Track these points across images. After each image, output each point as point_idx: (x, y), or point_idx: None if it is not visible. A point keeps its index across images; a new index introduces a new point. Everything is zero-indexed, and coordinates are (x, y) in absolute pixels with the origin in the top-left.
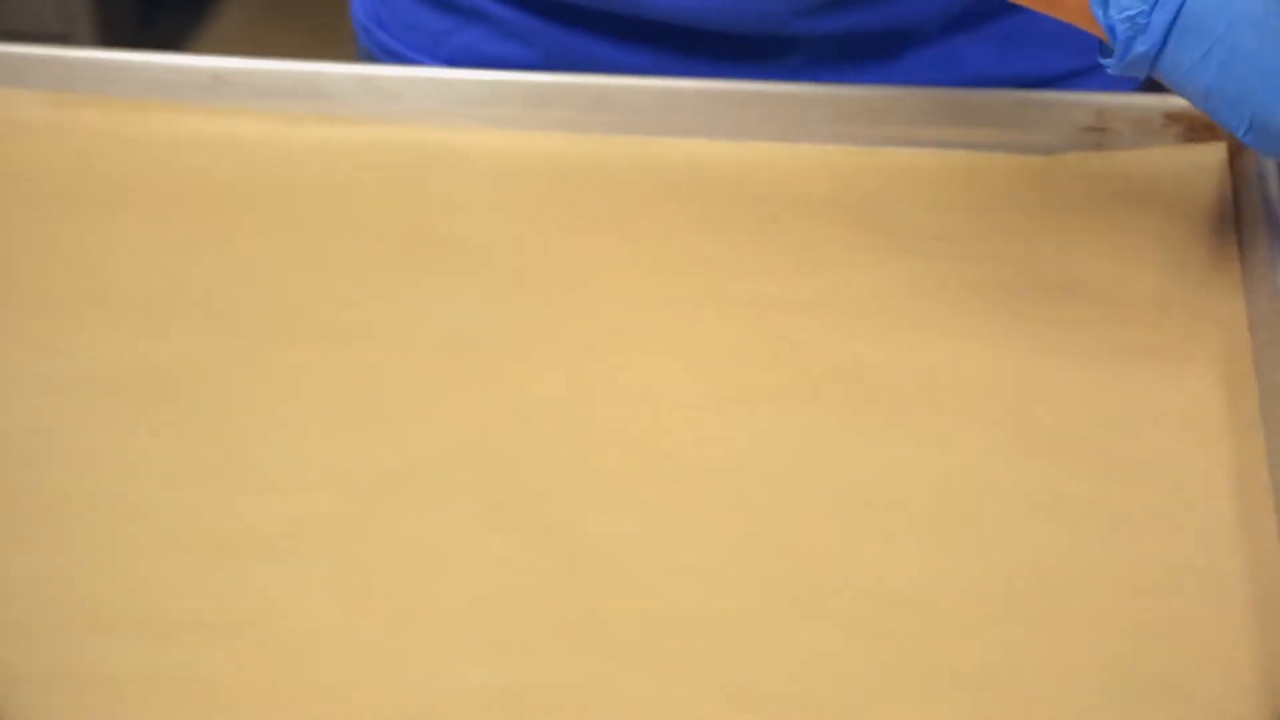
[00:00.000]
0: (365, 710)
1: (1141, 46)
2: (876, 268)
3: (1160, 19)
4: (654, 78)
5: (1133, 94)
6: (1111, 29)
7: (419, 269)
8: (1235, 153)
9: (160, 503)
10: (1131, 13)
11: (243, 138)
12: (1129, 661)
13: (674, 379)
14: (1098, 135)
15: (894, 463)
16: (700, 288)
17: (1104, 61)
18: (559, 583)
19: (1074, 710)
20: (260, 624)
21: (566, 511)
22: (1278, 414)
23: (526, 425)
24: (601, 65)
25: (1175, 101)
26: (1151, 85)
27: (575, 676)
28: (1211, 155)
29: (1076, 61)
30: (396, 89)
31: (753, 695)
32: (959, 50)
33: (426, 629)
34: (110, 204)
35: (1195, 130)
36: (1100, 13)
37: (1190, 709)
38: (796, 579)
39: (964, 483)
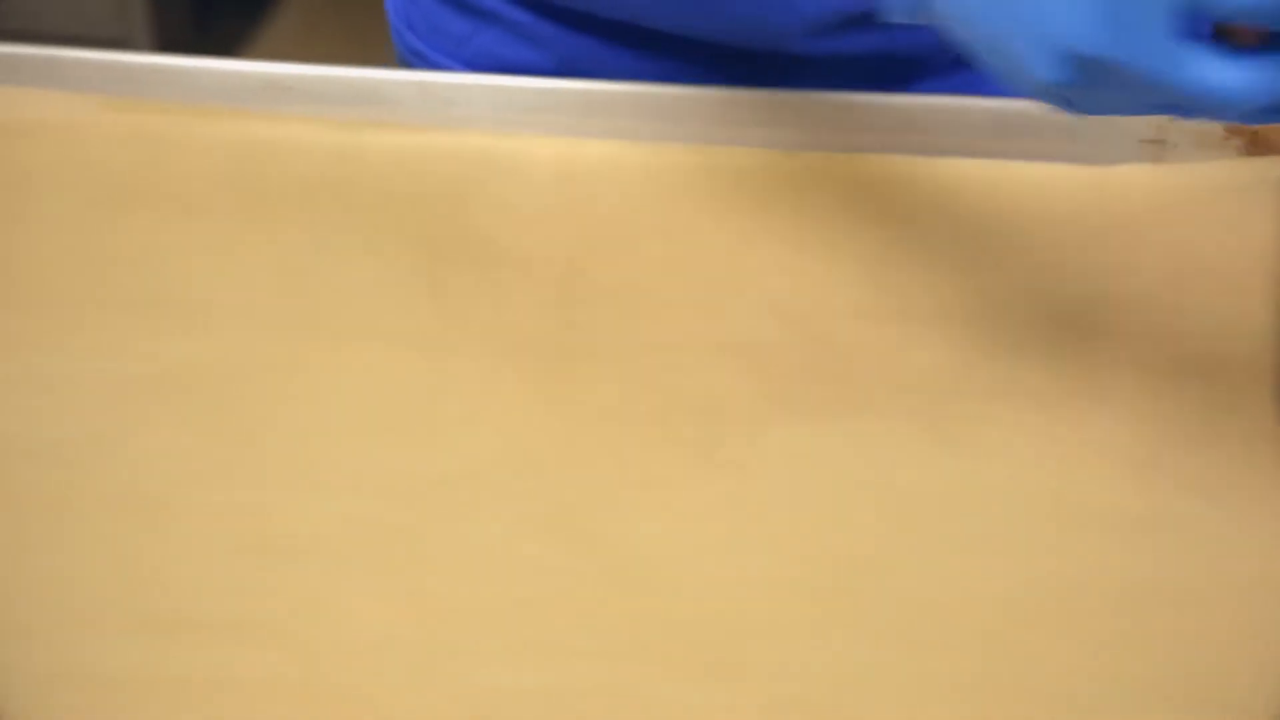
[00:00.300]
0: (401, 713)
1: None
2: (933, 279)
3: None
4: (708, 86)
5: None
6: None
7: (471, 275)
8: None
9: (203, 503)
10: None
11: (298, 143)
12: (1176, 675)
13: (729, 388)
14: (1157, 148)
15: (946, 474)
16: (756, 297)
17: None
18: (599, 588)
19: None
20: (299, 625)
21: (611, 518)
22: None
23: (576, 432)
24: (613, 74)
25: None
26: None
27: (614, 681)
28: (1273, 169)
29: None
30: (452, 95)
31: (790, 703)
32: (974, 82)
33: (465, 632)
34: (165, 208)
35: (1256, 144)
36: None
37: None
38: (839, 588)
39: (1015, 493)
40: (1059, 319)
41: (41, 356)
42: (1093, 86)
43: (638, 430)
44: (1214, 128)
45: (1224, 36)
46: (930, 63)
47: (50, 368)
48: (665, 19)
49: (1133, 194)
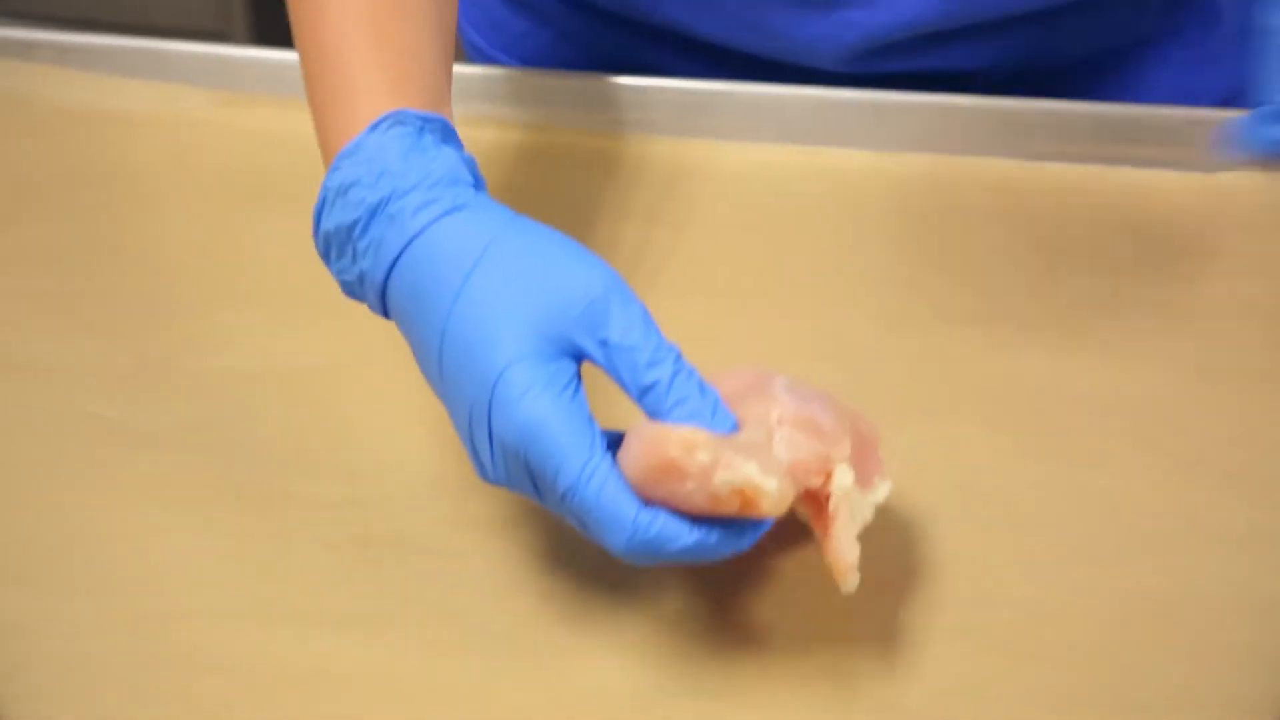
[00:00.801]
0: (508, 709)
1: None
2: (1036, 284)
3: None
4: (814, 87)
5: None
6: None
7: None
8: None
9: (311, 497)
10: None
11: None
12: None
13: (822, 388)
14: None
15: (1045, 482)
16: (856, 299)
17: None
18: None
19: None
20: (402, 619)
21: None
22: None
23: None
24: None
25: None
26: None
27: (722, 682)
28: None
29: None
30: (548, 93)
31: (892, 709)
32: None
33: (573, 628)
34: (271, 202)
35: None
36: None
37: None
38: (942, 596)
39: (1117, 504)
40: (1165, 326)
41: (153, 346)
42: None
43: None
44: None
45: None
46: (968, 83)
47: (161, 357)
48: (715, 31)
49: (1240, 199)
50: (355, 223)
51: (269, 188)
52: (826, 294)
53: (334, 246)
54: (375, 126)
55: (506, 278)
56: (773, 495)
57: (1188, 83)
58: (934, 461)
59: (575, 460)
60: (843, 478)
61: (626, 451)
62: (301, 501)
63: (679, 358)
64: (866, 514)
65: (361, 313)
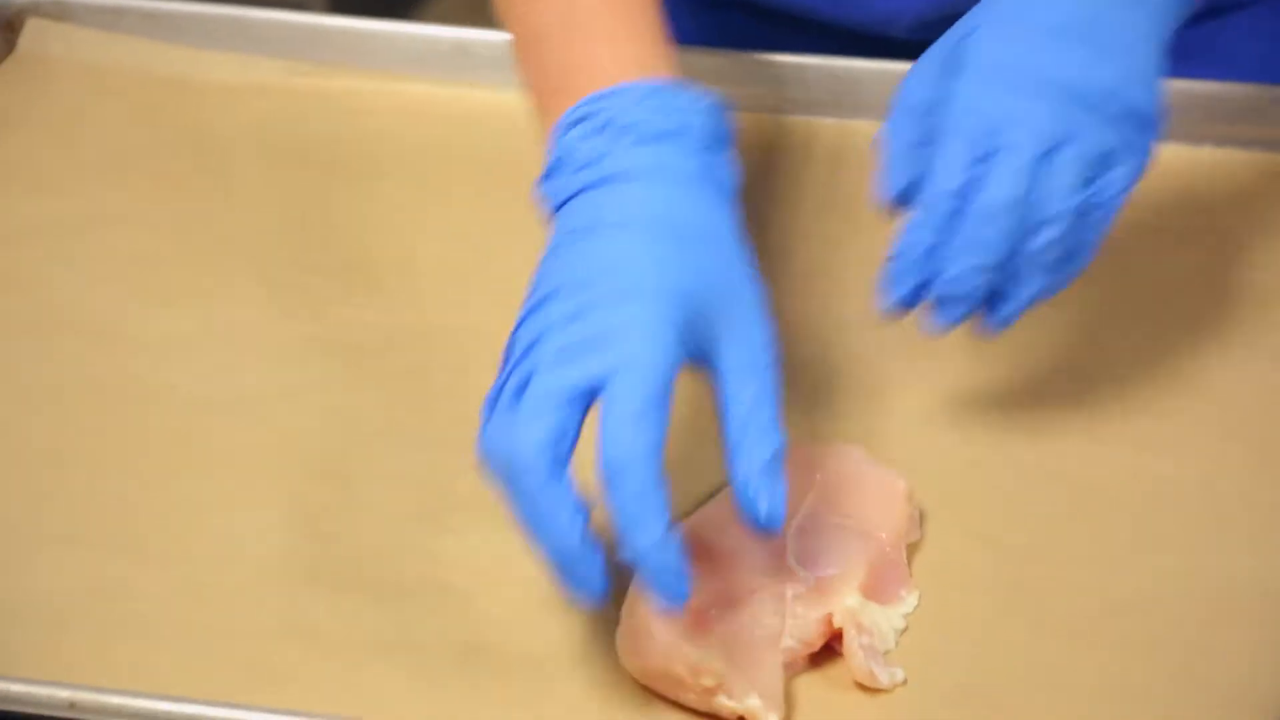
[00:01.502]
0: (569, 681)
1: None
2: (1120, 263)
3: None
4: (872, 60)
5: None
6: None
7: None
8: None
9: (385, 466)
10: None
11: (481, 111)
12: None
13: (896, 368)
14: None
15: (1124, 465)
16: None
17: None
18: None
19: None
20: (469, 590)
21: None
22: None
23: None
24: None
25: None
26: None
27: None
28: None
29: None
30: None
31: (966, 695)
32: None
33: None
34: (349, 173)
35: None
36: None
37: None
38: (1018, 582)
39: (1198, 491)
40: (1254, 312)
41: (224, 311)
42: None
43: (801, 409)
44: None
45: None
46: None
47: (233, 322)
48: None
49: None
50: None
51: (346, 158)
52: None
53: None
54: (633, 86)
55: (665, 246)
56: None
57: (1278, 53)
58: (1013, 445)
59: (659, 521)
60: (848, 598)
61: (631, 638)
62: (374, 472)
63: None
64: (896, 623)
65: (438, 283)
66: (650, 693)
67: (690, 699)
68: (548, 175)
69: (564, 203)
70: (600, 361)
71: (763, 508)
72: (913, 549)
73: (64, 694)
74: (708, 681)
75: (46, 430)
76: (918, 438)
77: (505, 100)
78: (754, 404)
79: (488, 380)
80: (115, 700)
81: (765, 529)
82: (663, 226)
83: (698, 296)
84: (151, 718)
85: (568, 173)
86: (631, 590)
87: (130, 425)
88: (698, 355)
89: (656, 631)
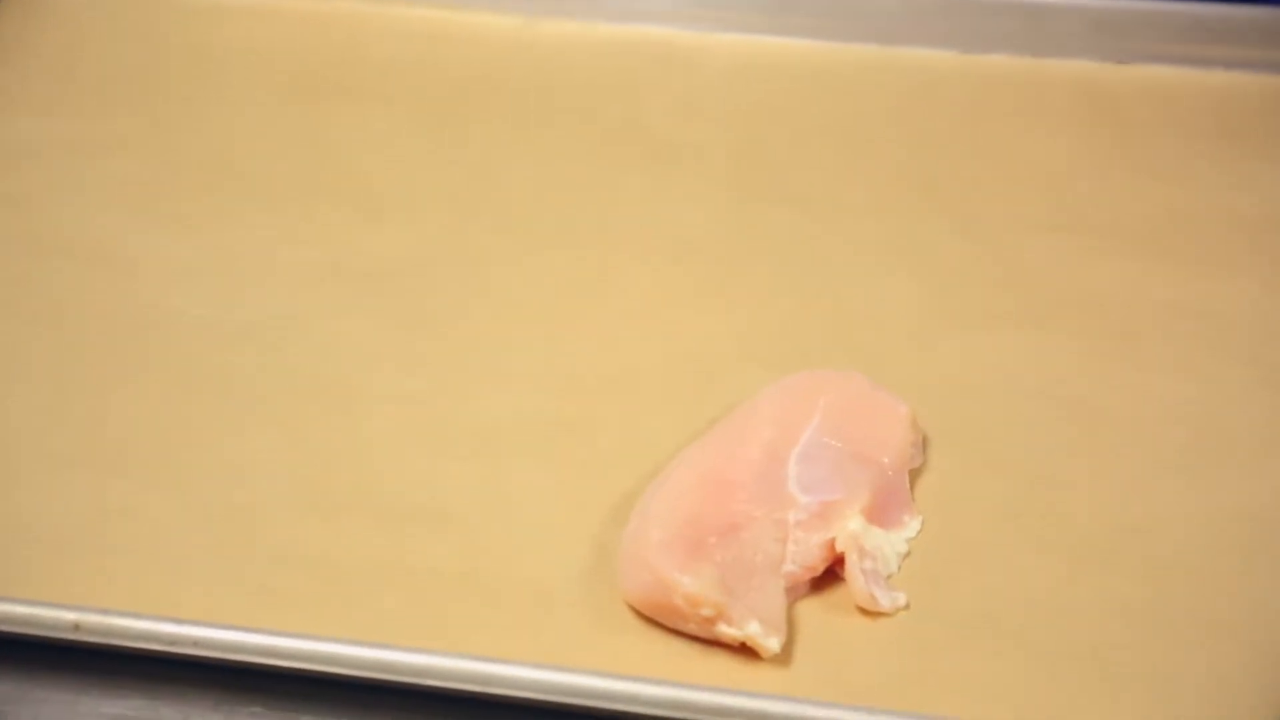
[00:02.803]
0: (568, 605)
1: None
2: (1117, 191)
3: None
4: None
5: None
6: None
7: (646, 173)
8: None
9: (388, 392)
10: None
11: (480, 34)
12: None
13: (901, 297)
14: None
15: (1128, 389)
16: (931, 204)
17: None
18: None
19: None
20: (481, 517)
21: None
22: None
23: (746, 337)
24: None
25: None
26: None
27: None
28: None
29: None
30: None
31: (976, 620)
32: None
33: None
34: (352, 96)
35: None
36: None
37: None
38: (1023, 506)
39: (1203, 414)
40: (1248, 238)
41: (231, 238)
42: None
43: (805, 336)
44: None
45: None
46: None
47: (235, 248)
48: None
49: None
50: None
51: (347, 82)
52: (899, 198)
53: None
54: None
55: None
56: (774, 651)
57: None
58: (1017, 370)
59: None
60: (850, 523)
61: (630, 569)
62: (376, 397)
63: None
64: (899, 547)
65: (442, 209)
66: (651, 622)
67: (691, 628)
68: None
69: None
70: None
71: None
72: (915, 475)
73: (69, 615)
74: (706, 612)
75: (49, 352)
76: (921, 363)
77: (508, 24)
78: None
79: (491, 308)
80: (120, 622)
81: None
82: None
83: None
84: (156, 639)
85: None
86: (630, 522)
87: (133, 349)
88: None
89: (653, 563)
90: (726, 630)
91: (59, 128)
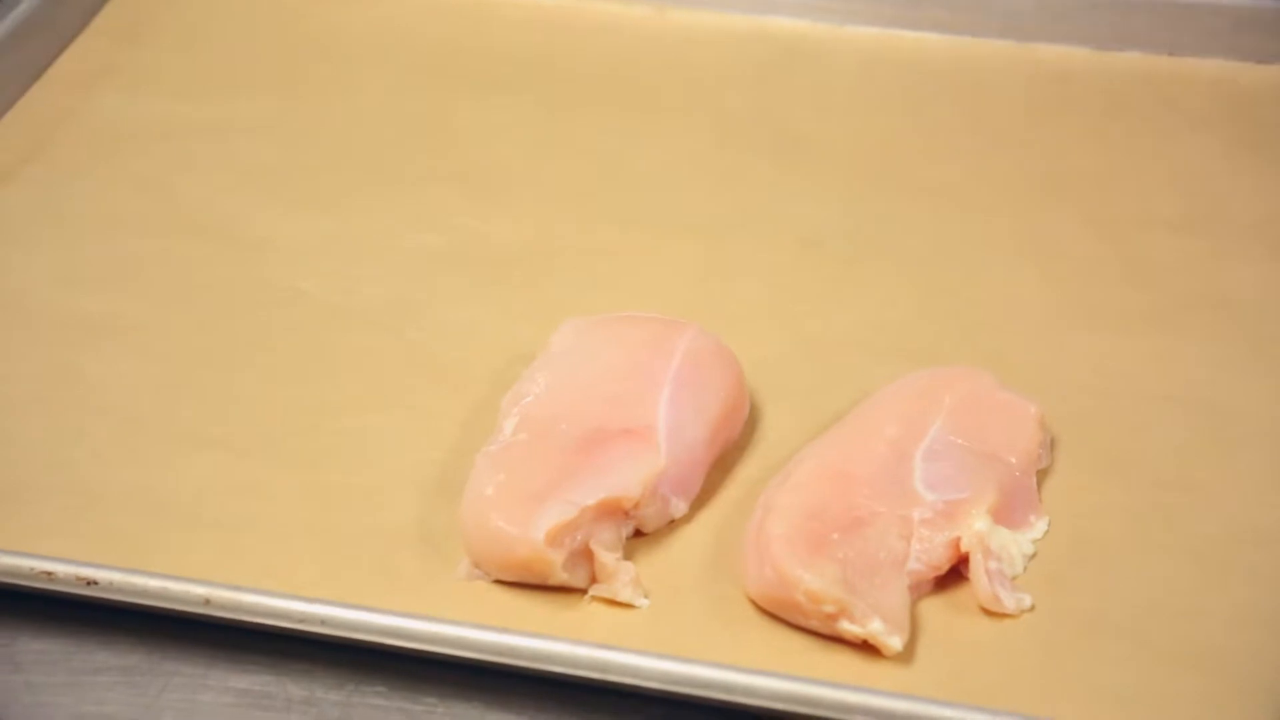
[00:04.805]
0: (702, 598)
1: None
2: (1254, 191)
3: None
4: None
5: None
6: None
7: (774, 164)
8: None
9: (507, 381)
10: None
11: (610, 23)
12: None
13: (1030, 296)
14: None
15: (1258, 393)
16: (1063, 200)
17: None
18: None
19: None
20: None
21: None
22: None
23: (871, 331)
24: None
25: None
26: None
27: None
28: None
29: None
30: None
31: (1100, 621)
32: None
33: None
34: (479, 83)
35: None
36: None
37: None
38: (1150, 508)
39: None
40: None
41: (356, 221)
42: None
43: (931, 332)
44: None
45: None
46: None
47: (365, 232)
48: None
49: None
50: None
51: (470, 68)
52: (1030, 195)
53: None
54: None
55: None
56: (896, 650)
57: None
58: (1146, 371)
59: None
60: (976, 522)
61: (752, 564)
62: (494, 383)
63: None
64: (1025, 548)
65: (562, 199)
66: (773, 616)
67: (813, 624)
68: None
69: None
70: None
71: None
72: (1043, 475)
73: (199, 590)
74: (828, 609)
75: (179, 331)
76: (1048, 363)
77: (638, 13)
78: None
79: (614, 297)
80: (249, 599)
81: None
82: None
83: None
84: (285, 616)
85: None
86: (754, 518)
87: (261, 329)
88: None
89: (776, 559)
90: (849, 627)
91: (190, 110)
